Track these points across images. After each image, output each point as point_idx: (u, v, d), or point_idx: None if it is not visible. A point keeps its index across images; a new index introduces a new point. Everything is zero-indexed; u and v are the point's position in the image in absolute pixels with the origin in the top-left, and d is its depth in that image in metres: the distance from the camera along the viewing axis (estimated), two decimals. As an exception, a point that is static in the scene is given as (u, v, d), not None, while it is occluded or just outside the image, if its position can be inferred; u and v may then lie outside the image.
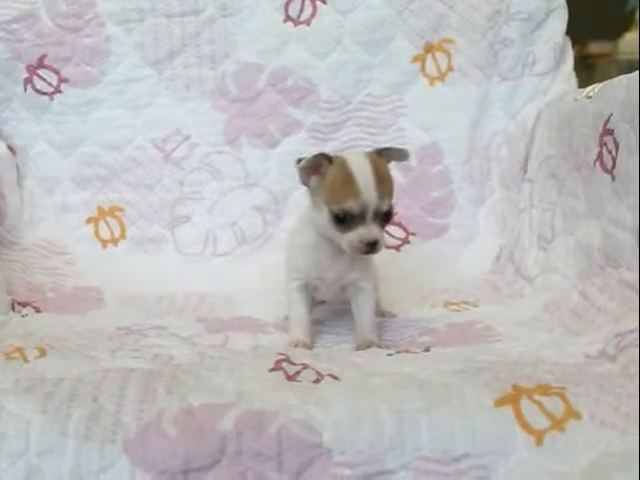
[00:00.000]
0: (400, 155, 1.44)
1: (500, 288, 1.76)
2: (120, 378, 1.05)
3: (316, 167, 1.37)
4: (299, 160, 1.38)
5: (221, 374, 1.09)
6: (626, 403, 0.96)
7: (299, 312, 1.48)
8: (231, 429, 0.95)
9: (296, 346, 1.39)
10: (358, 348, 1.42)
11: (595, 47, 3.91)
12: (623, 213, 1.28)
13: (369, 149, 1.44)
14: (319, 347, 1.46)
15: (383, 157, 1.41)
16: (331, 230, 1.37)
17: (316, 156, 1.36)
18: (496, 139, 2.04)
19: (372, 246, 1.34)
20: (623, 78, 1.36)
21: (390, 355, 1.30)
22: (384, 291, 1.66)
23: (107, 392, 1.01)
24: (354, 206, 1.32)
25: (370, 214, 1.33)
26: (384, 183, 1.35)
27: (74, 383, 1.04)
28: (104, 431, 0.95)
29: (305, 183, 1.40)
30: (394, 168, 1.97)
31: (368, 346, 1.40)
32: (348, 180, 1.33)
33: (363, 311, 1.49)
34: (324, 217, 1.37)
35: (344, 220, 1.34)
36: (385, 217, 1.36)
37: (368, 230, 1.33)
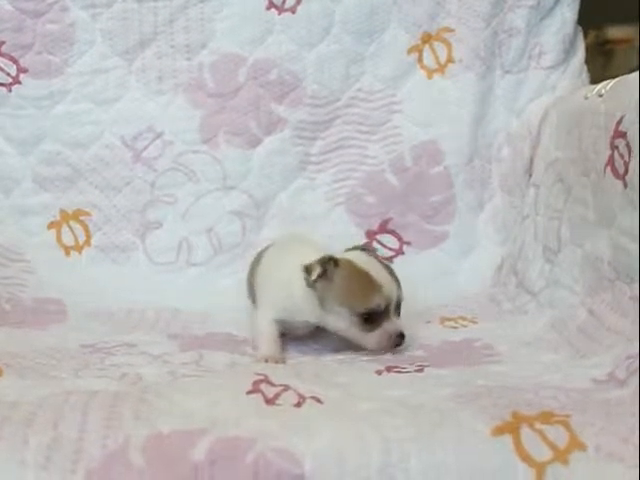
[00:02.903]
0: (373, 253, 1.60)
1: (501, 303, 1.77)
2: (83, 401, 1.05)
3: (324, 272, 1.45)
4: (306, 268, 1.46)
5: (193, 397, 1.09)
6: (636, 433, 0.96)
7: (270, 331, 1.53)
8: (204, 458, 0.95)
9: (266, 361, 1.43)
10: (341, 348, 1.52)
11: (614, 31, 3.88)
12: (636, 223, 1.28)
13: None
14: (298, 358, 1.50)
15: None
16: (353, 331, 1.46)
17: (324, 262, 1.45)
18: (497, 138, 2.06)
19: (402, 338, 1.45)
20: (638, 75, 1.36)
21: (379, 373, 1.32)
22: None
23: (68, 417, 1.01)
24: (381, 303, 1.43)
25: (392, 307, 1.44)
26: (393, 273, 1.49)
27: (32, 407, 1.04)
28: (65, 460, 0.94)
29: (311, 286, 1.47)
30: (387, 170, 2.00)
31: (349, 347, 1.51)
32: (366, 279, 1.44)
33: None
34: (344, 320, 1.46)
35: (370, 319, 1.43)
36: (399, 306, 1.47)
37: (393, 324, 1.45)
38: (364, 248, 1.59)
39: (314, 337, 1.60)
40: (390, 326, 1.44)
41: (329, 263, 1.45)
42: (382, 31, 2.05)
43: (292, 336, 1.60)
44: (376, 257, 1.54)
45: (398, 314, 1.47)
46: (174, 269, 2.02)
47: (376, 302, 1.42)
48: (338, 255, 1.50)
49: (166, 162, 2.05)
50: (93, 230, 2.05)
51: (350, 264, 1.47)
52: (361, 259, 1.49)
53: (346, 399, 1.12)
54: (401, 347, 1.46)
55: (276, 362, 1.43)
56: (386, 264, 1.53)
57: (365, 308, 1.43)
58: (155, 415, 1.02)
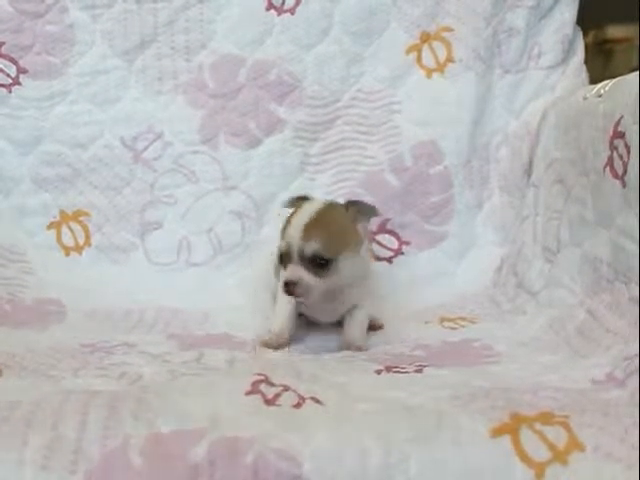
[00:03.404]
0: (370, 211, 1.56)
1: (500, 303, 1.77)
2: (82, 401, 1.05)
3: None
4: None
5: (193, 397, 1.09)
6: (633, 433, 0.97)
7: (286, 308, 1.58)
8: (203, 458, 0.94)
9: (270, 339, 1.50)
10: (340, 348, 1.53)
11: (614, 31, 3.86)
12: (634, 223, 1.28)
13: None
14: (297, 357, 1.49)
15: (349, 209, 1.53)
16: None
17: (297, 198, 1.57)
18: (495, 138, 2.06)
19: (290, 285, 1.43)
20: (636, 75, 1.36)
21: (378, 373, 1.31)
22: (374, 306, 1.67)
23: (68, 417, 1.00)
24: (282, 245, 1.47)
25: (295, 255, 1.45)
26: (318, 227, 1.46)
27: (32, 407, 1.03)
28: (64, 460, 0.94)
29: None
30: (386, 170, 2.00)
31: (348, 348, 1.52)
32: (287, 222, 1.49)
33: (353, 318, 1.58)
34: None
35: (282, 262, 1.47)
36: (319, 263, 1.44)
37: (289, 269, 1.45)
38: (353, 202, 1.56)
39: (313, 337, 1.60)
40: (287, 272, 1.44)
41: (297, 200, 1.57)
42: (381, 31, 2.05)
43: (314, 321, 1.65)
44: (334, 211, 1.52)
45: (312, 269, 1.44)
46: (174, 269, 2.02)
47: (280, 245, 1.47)
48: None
49: (166, 163, 2.05)
50: (93, 230, 2.05)
51: (297, 208, 1.52)
52: (307, 205, 1.52)
53: (345, 400, 1.11)
54: (300, 296, 1.45)
55: (278, 344, 1.48)
56: (330, 220, 1.49)
57: (277, 248, 1.49)
58: (154, 415, 1.02)
